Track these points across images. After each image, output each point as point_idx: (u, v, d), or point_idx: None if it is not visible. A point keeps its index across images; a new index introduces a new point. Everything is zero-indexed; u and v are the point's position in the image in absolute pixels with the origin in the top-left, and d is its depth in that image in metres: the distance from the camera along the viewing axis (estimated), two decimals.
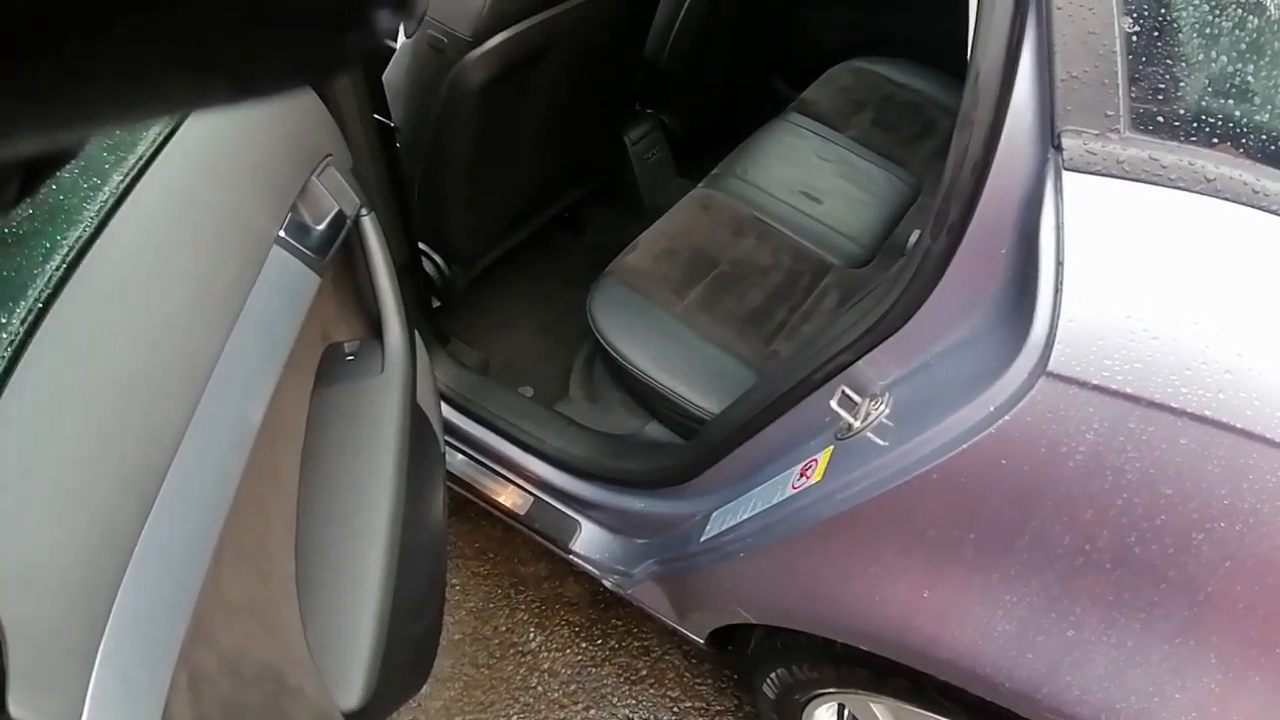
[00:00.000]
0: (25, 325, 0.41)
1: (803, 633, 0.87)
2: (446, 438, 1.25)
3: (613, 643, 1.36)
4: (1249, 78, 0.55)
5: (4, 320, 0.41)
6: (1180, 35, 0.55)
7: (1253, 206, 0.51)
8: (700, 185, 1.41)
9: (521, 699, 1.30)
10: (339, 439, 0.71)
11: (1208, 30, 0.56)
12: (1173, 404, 0.50)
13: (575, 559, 1.18)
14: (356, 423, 0.72)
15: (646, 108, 1.73)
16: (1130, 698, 0.63)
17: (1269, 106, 0.54)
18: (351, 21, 0.15)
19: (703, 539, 0.95)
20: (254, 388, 0.52)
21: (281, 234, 0.61)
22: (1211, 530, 0.54)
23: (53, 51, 0.13)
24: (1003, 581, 0.63)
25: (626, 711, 1.30)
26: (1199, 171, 0.50)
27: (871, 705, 0.92)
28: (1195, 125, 0.51)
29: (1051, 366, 0.53)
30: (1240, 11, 0.56)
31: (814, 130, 1.54)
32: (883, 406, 0.72)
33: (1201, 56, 0.55)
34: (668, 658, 1.35)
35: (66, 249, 0.45)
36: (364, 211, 0.79)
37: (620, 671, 1.34)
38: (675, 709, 1.31)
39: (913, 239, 1.05)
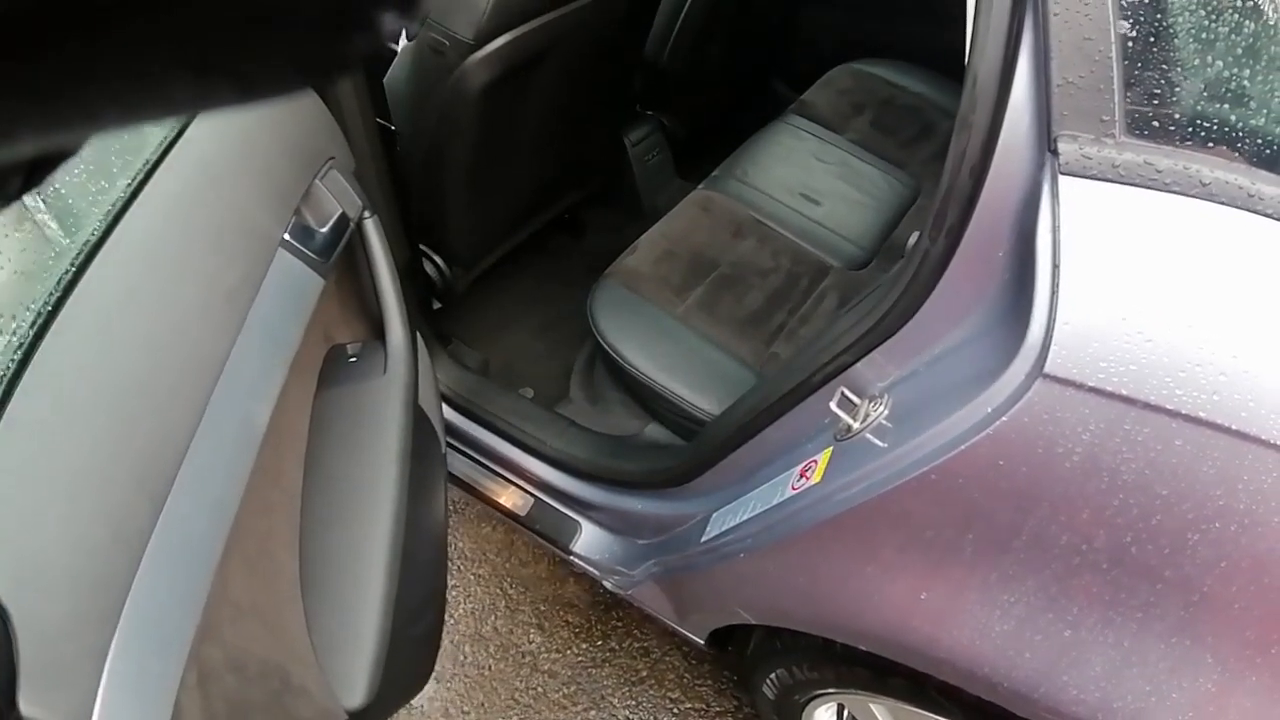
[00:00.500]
0: (35, 328, 0.42)
1: (802, 633, 0.88)
2: (447, 439, 1.26)
3: (613, 644, 1.37)
4: (1245, 82, 0.55)
5: (14, 323, 0.41)
6: (1176, 40, 0.56)
7: (1248, 210, 0.51)
8: (700, 187, 1.41)
9: (521, 700, 1.30)
10: (342, 440, 0.72)
11: (1204, 35, 0.56)
12: (1167, 406, 0.50)
13: (575, 560, 1.19)
14: (359, 424, 0.73)
15: (647, 109, 1.73)
16: (1127, 697, 0.63)
17: (1265, 111, 0.54)
18: (356, 23, 0.15)
19: (703, 540, 0.96)
20: (261, 389, 0.53)
21: (286, 237, 0.62)
22: (1207, 531, 0.55)
23: (53, 51, 0.13)
24: (1000, 581, 0.64)
25: (626, 713, 1.30)
26: (1194, 176, 0.50)
27: (871, 705, 0.92)
28: (1191, 130, 0.51)
29: (1048, 368, 0.53)
30: (1237, 17, 0.57)
31: (813, 132, 1.54)
32: (882, 408, 0.73)
33: (1198, 61, 0.55)
34: (668, 659, 1.36)
35: (75, 252, 0.45)
36: (366, 214, 0.79)
37: (620, 673, 1.34)
38: (675, 710, 1.31)
39: (911, 241, 1.06)
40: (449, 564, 1.43)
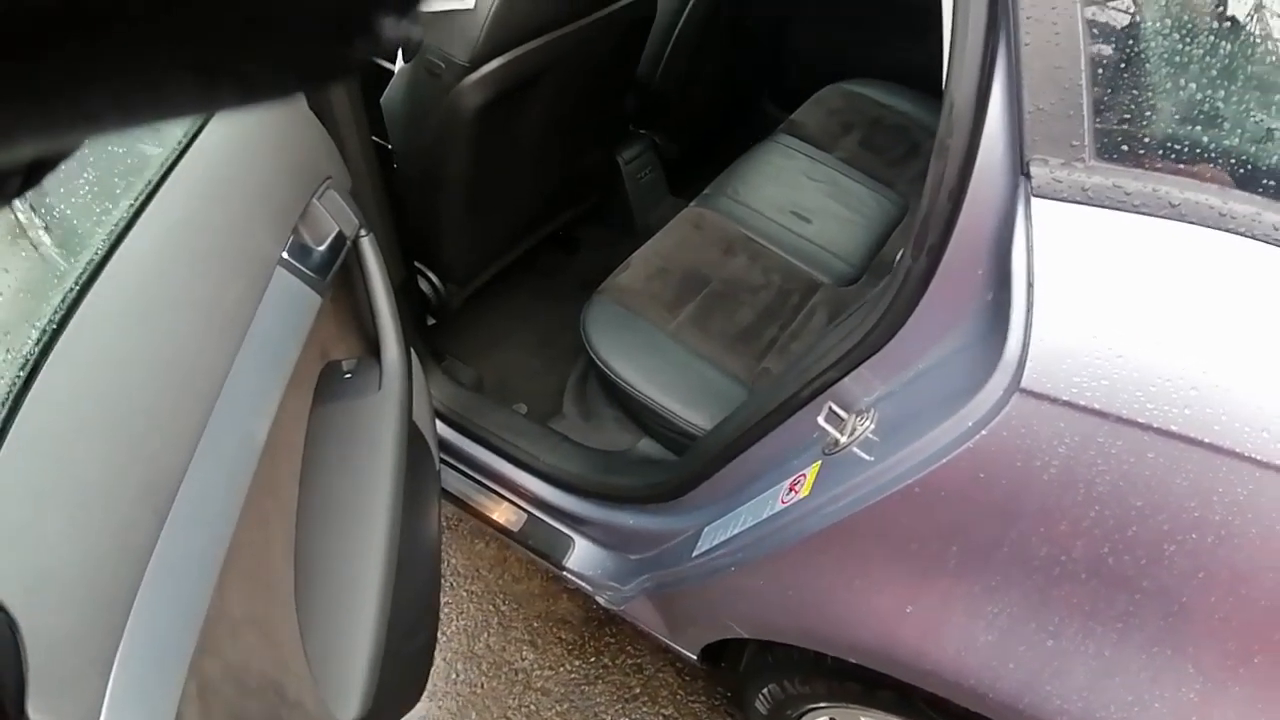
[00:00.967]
0: (40, 345, 0.43)
1: (794, 647, 0.88)
2: (441, 454, 1.26)
3: (606, 660, 1.37)
4: (1219, 104, 0.57)
5: (20, 341, 0.42)
6: (1148, 65, 0.58)
7: (1220, 229, 0.53)
8: (692, 205, 1.43)
9: (514, 718, 1.30)
10: (337, 455, 0.72)
11: (1177, 59, 0.58)
12: (1139, 419, 0.52)
13: (568, 575, 1.19)
14: (354, 440, 0.74)
15: (639, 128, 1.77)
16: (1110, 707, 0.64)
17: (1240, 131, 0.56)
18: (355, 27, 0.16)
19: (695, 554, 0.97)
20: (259, 406, 0.54)
21: (284, 255, 0.63)
22: (1183, 542, 0.56)
23: (54, 51, 0.13)
24: (984, 593, 0.65)
25: None
26: (1163, 197, 0.52)
27: (862, 719, 0.92)
28: (1161, 152, 0.54)
29: (1024, 383, 0.55)
30: (1212, 39, 0.59)
31: (803, 151, 1.57)
32: (868, 422, 0.74)
33: (1170, 85, 0.58)
34: (661, 675, 1.35)
35: (79, 271, 0.47)
36: (363, 232, 0.81)
37: (613, 690, 1.34)
38: None
39: (899, 258, 1.08)
40: (443, 581, 1.43)
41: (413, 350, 0.97)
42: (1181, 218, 0.52)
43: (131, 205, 0.53)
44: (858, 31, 1.85)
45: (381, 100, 1.19)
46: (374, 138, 1.07)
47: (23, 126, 0.14)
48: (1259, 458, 0.52)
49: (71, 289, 0.46)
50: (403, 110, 1.18)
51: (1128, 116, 0.54)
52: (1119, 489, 0.55)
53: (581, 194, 1.63)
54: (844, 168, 1.56)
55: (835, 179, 1.54)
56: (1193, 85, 0.55)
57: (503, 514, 1.24)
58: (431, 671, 1.31)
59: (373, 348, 0.87)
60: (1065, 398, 0.54)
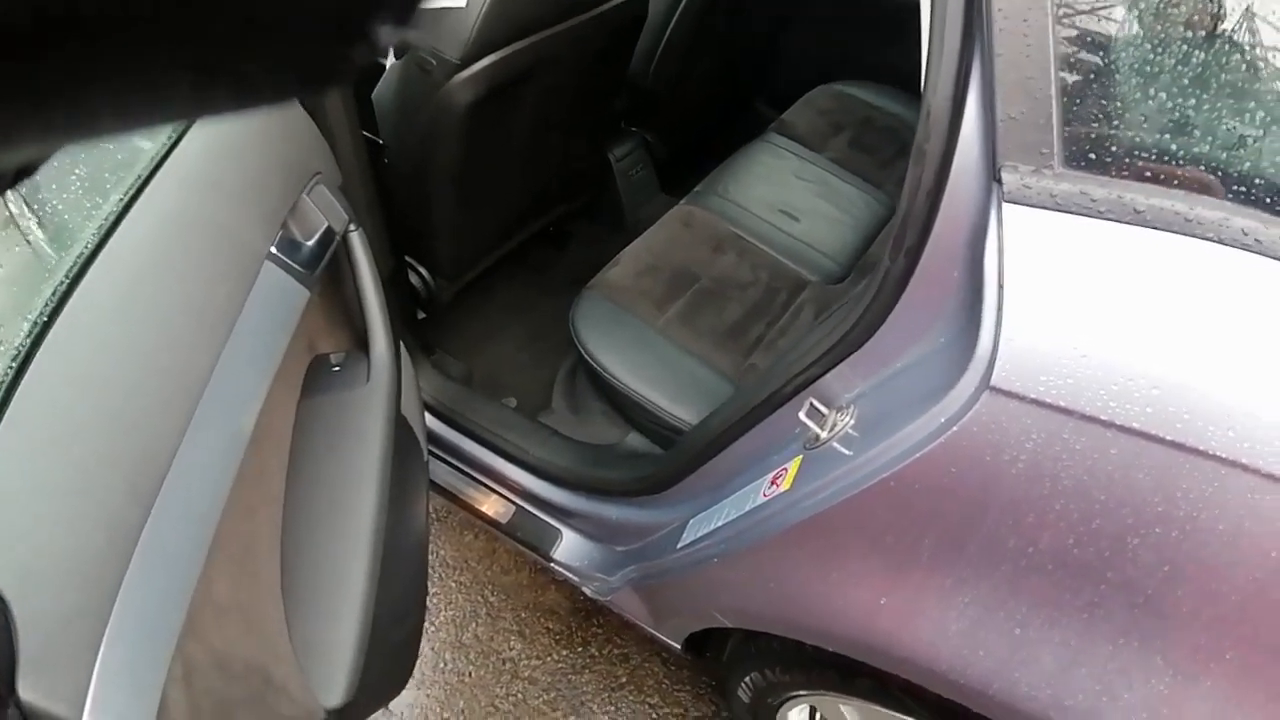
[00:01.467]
0: (31, 337, 0.44)
1: (774, 637, 0.90)
2: (430, 447, 1.28)
3: (593, 650, 1.39)
4: (1190, 112, 0.59)
5: (12, 332, 0.43)
6: (1118, 75, 0.60)
7: (1185, 234, 0.55)
8: (682, 202, 1.45)
9: (502, 706, 1.32)
10: (324, 448, 0.74)
11: (1147, 68, 0.60)
12: (1102, 416, 0.54)
13: (556, 567, 1.21)
14: (341, 432, 0.75)
15: (631, 126, 1.77)
16: (1078, 695, 0.66)
17: (1209, 138, 0.58)
18: (355, 34, 0.16)
19: (679, 546, 0.98)
20: (246, 398, 0.55)
21: (273, 250, 0.64)
22: (1146, 535, 0.58)
23: (54, 53, 0.13)
24: (955, 583, 0.67)
25: (606, 718, 1.32)
26: (1128, 204, 0.54)
27: (841, 706, 0.95)
28: (1128, 160, 0.55)
29: (994, 381, 0.57)
30: (1184, 48, 0.61)
31: (793, 151, 1.59)
32: (848, 418, 0.76)
33: (1139, 94, 0.59)
34: (647, 665, 1.37)
35: (69, 264, 0.48)
36: (352, 227, 0.82)
37: (600, 679, 1.36)
38: (654, 715, 1.33)
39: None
40: (431, 571, 1.44)
41: (402, 344, 0.98)
42: (1146, 223, 0.54)
43: (121, 199, 0.54)
44: (849, 32, 1.87)
45: (372, 95, 1.19)
46: (365, 133, 1.08)
47: (21, 127, 0.14)
48: (1224, 455, 0.54)
49: (62, 282, 0.46)
50: (393, 106, 1.18)
51: (1096, 125, 0.56)
52: (1083, 483, 0.57)
53: (573, 191, 1.64)
54: (834, 168, 1.58)
55: (825, 179, 1.56)
56: (1163, 94, 0.57)
57: (491, 506, 1.26)
58: (420, 660, 1.33)
59: (361, 341, 0.88)
60: (1032, 395, 0.56)
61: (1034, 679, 0.66)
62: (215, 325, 0.54)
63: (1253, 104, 0.56)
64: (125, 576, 0.41)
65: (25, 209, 0.52)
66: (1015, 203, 0.56)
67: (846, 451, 0.73)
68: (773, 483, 0.85)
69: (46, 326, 0.44)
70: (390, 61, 1.17)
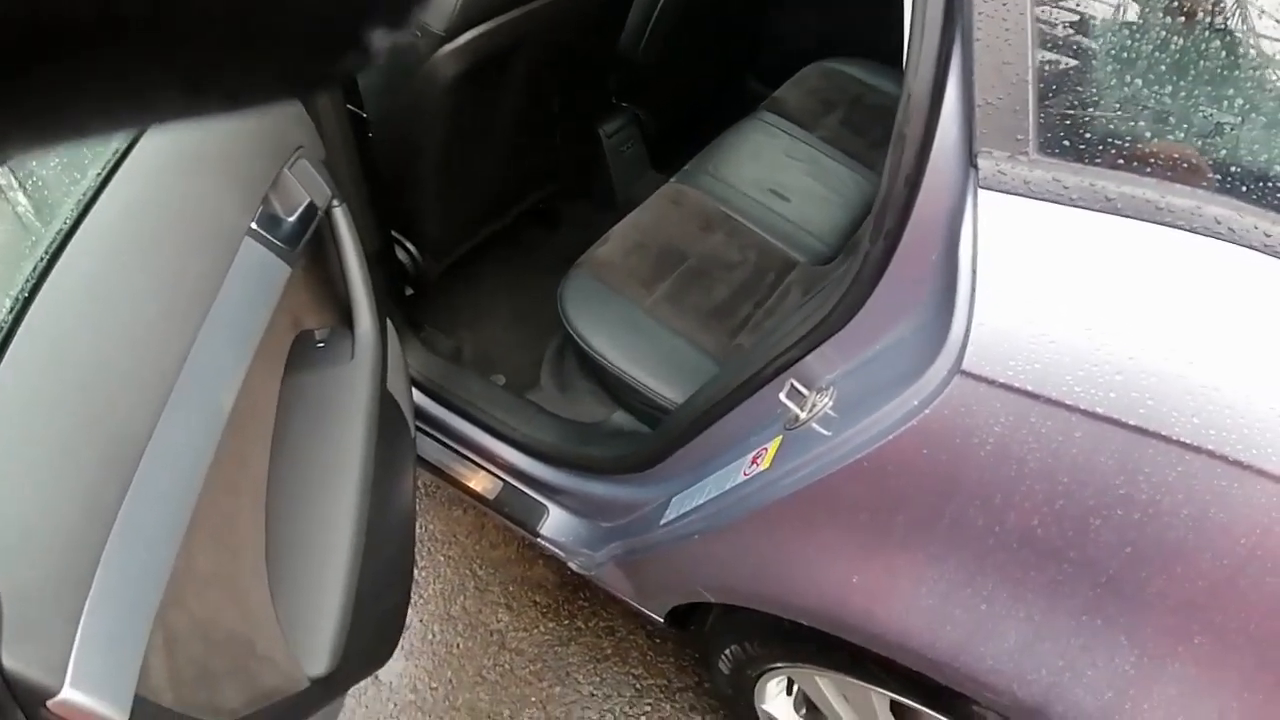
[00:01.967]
0: (13, 314, 0.44)
1: (754, 611, 0.93)
2: (419, 423, 1.28)
3: (579, 623, 1.41)
4: (1165, 99, 0.59)
5: None
6: (1095, 62, 0.60)
7: (1155, 222, 0.56)
8: (672, 180, 1.44)
9: (489, 676, 1.35)
10: (309, 424, 0.74)
11: (1125, 55, 0.60)
12: (1066, 401, 0.55)
13: (543, 542, 1.23)
14: (326, 408, 0.76)
15: (622, 102, 1.76)
16: (1040, 670, 0.69)
17: (1185, 125, 0.59)
18: (346, 42, 0.16)
19: (662, 522, 1.00)
20: (225, 374, 0.56)
21: (253, 225, 0.64)
22: (1108, 517, 0.60)
23: (44, 69, 0.13)
24: (926, 560, 0.69)
25: (590, 688, 1.35)
26: (1100, 191, 0.55)
27: (817, 678, 0.98)
28: (1102, 148, 0.56)
29: (965, 365, 0.58)
30: (1162, 34, 0.61)
31: (784, 129, 1.58)
32: (827, 399, 0.77)
33: (1115, 81, 0.60)
34: (632, 638, 1.41)
35: (49, 240, 0.48)
36: (335, 202, 0.82)
37: (586, 650, 1.39)
38: (638, 685, 1.36)
39: None
40: (419, 546, 1.46)
41: (389, 320, 0.99)
42: (1117, 211, 0.54)
43: (99, 174, 0.54)
44: (842, 9, 1.85)
45: None
46: (349, 106, 1.07)
47: (9, 141, 0.14)
48: (1188, 441, 0.55)
49: (42, 258, 0.47)
50: (378, 79, 1.17)
51: (1072, 111, 0.56)
52: (1048, 466, 0.58)
53: (562, 168, 1.63)
54: (824, 147, 1.57)
55: (816, 158, 1.55)
56: (1139, 81, 0.57)
57: (479, 482, 1.27)
58: (409, 631, 1.36)
59: (347, 317, 0.88)
60: (1001, 380, 0.57)
61: (999, 653, 0.68)
62: (194, 301, 0.54)
63: (1231, 91, 0.57)
64: (105, 550, 0.42)
65: (12, 178, 0.51)
66: (990, 189, 0.56)
67: (825, 432, 0.75)
68: (753, 462, 0.86)
69: (27, 303, 0.45)
70: None
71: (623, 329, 1.21)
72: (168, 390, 0.49)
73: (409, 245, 1.37)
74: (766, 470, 0.82)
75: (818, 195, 1.50)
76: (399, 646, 1.33)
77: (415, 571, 1.43)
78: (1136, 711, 0.65)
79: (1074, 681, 0.68)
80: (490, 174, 1.39)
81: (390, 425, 0.88)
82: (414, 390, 1.23)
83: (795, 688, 1.10)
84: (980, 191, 0.57)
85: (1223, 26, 0.62)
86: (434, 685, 1.33)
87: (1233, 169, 0.56)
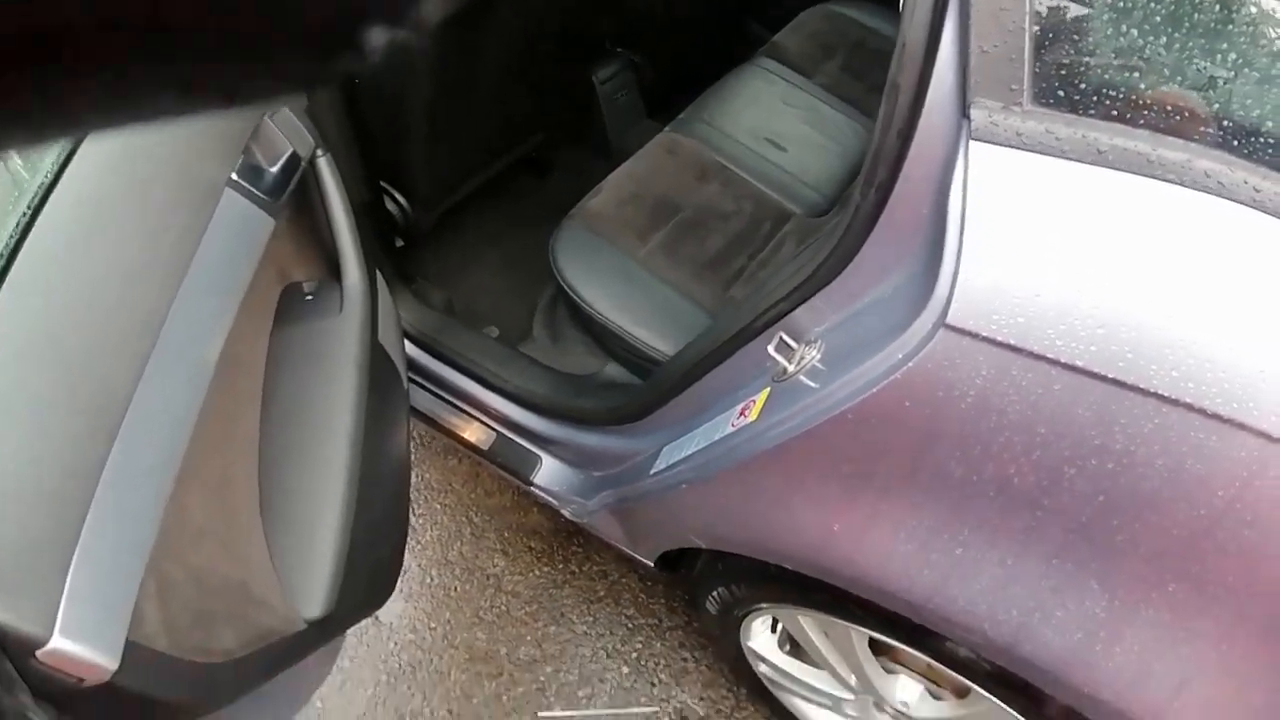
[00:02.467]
0: None
1: (740, 555, 0.96)
2: (412, 375, 1.29)
3: (573, 567, 1.46)
4: (1160, 50, 0.58)
5: None
6: (1092, 10, 0.58)
7: (1147, 175, 0.55)
8: (666, 129, 1.41)
9: (486, 617, 1.40)
10: (299, 376, 0.75)
11: (1122, 4, 0.59)
12: (1048, 354, 0.56)
13: (536, 491, 1.25)
14: (316, 360, 0.76)
15: (617, 47, 1.70)
16: (1011, 610, 0.71)
17: (1179, 78, 0.57)
18: (345, 44, 0.16)
19: (653, 472, 1.02)
20: (210, 326, 0.56)
21: (234, 177, 0.63)
22: (1083, 467, 0.61)
23: (43, 73, 0.13)
24: (905, 509, 0.71)
25: (584, 628, 1.41)
26: (1091, 144, 0.54)
27: (800, 618, 1.02)
28: (1095, 99, 0.55)
29: (949, 319, 0.58)
30: None
31: (783, 76, 1.54)
32: (815, 352, 0.78)
33: (1111, 31, 0.58)
34: (624, 580, 1.45)
35: (30, 195, 0.47)
36: (319, 152, 0.80)
37: (579, 593, 1.44)
38: (630, 625, 1.42)
39: None
40: (416, 494, 1.49)
41: (380, 273, 0.98)
42: (1108, 164, 0.54)
43: None
44: None
45: None
46: None
47: (6, 135, 0.14)
48: (1165, 394, 0.56)
49: (24, 214, 0.46)
50: None
51: (1066, 62, 0.55)
52: (1026, 418, 0.59)
53: (555, 116, 1.59)
54: (824, 94, 1.53)
55: (814, 106, 1.51)
56: (1134, 32, 0.56)
57: (473, 433, 1.29)
58: (408, 576, 1.40)
59: (335, 270, 0.87)
60: (984, 334, 0.57)
61: (972, 594, 0.71)
62: (175, 254, 0.54)
63: (1225, 45, 0.55)
64: (92, 502, 0.43)
65: None
66: (982, 140, 0.56)
67: (813, 384, 0.75)
68: (740, 414, 0.87)
69: (10, 260, 0.45)
70: None
71: (615, 281, 1.20)
72: (151, 344, 0.49)
73: (398, 197, 1.35)
74: (754, 422, 0.83)
75: (815, 144, 1.47)
76: (398, 590, 1.38)
77: (413, 518, 1.47)
78: (1107, 654, 0.68)
79: (1043, 622, 0.71)
80: (480, 122, 1.36)
81: (382, 377, 0.88)
82: (407, 343, 1.24)
83: (779, 626, 1.15)
84: (972, 143, 0.56)
85: None
86: (433, 626, 1.38)
87: (1225, 123, 0.55)
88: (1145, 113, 0.56)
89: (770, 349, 0.80)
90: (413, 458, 1.52)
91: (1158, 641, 0.66)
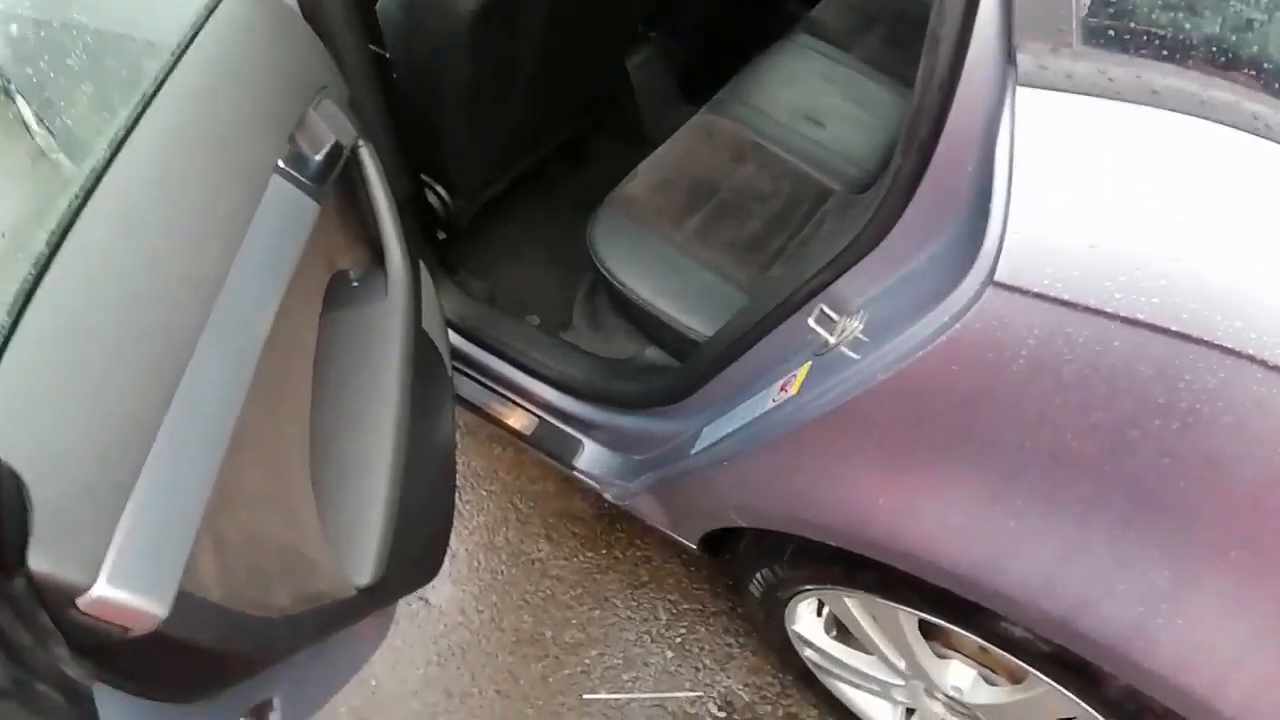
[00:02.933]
0: (50, 244, 0.47)
1: (783, 535, 0.94)
2: (458, 364, 1.32)
3: (617, 552, 1.47)
4: None
5: (31, 239, 0.46)
6: None
7: (1199, 116, 0.52)
8: (702, 111, 1.40)
9: (532, 601, 1.42)
10: (347, 358, 0.77)
11: None
12: (1107, 309, 0.53)
13: (578, 475, 1.26)
14: (363, 342, 0.78)
15: (650, 31, 1.69)
16: (1070, 585, 0.68)
17: (1219, 19, 0.54)
18: None
19: (693, 451, 1.02)
20: (260, 301, 0.58)
21: (280, 164, 0.65)
22: (1146, 428, 0.58)
23: None
24: (954, 478, 0.68)
25: (628, 612, 1.41)
26: (1145, 84, 0.51)
27: (845, 599, 0.99)
28: (1145, 38, 0.52)
29: (998, 276, 0.56)
30: None
31: (821, 51, 1.50)
32: (857, 323, 0.76)
33: None
34: (668, 565, 1.45)
35: (83, 177, 0.50)
36: (361, 143, 0.82)
37: (623, 578, 1.44)
38: (674, 610, 1.41)
39: None
40: (463, 481, 1.53)
41: (423, 262, 1.00)
42: (1161, 104, 0.51)
43: (129, 114, 0.55)
44: None
45: (377, 8, 1.16)
46: (371, 46, 1.06)
47: None
48: (1230, 346, 0.52)
49: (77, 195, 0.49)
50: (398, 18, 1.15)
51: (1115, 0, 0.52)
52: (1084, 377, 0.56)
53: (590, 103, 1.59)
54: (863, 68, 1.49)
55: (854, 80, 1.48)
56: None
57: (516, 419, 1.31)
58: (455, 560, 1.43)
59: (380, 259, 0.90)
60: (1036, 290, 0.55)
61: (1027, 569, 0.68)
62: (226, 233, 0.56)
63: None
64: (145, 463, 0.45)
65: (39, 125, 0.54)
66: (1030, 85, 0.53)
67: (855, 356, 0.73)
68: (781, 389, 0.86)
69: (64, 235, 0.47)
70: None
71: (653, 265, 1.20)
72: (205, 314, 0.51)
73: (439, 189, 1.37)
74: (795, 396, 0.82)
75: (856, 119, 1.43)
76: (447, 574, 1.41)
77: (460, 505, 1.50)
78: (1169, 626, 0.64)
79: (1105, 595, 0.67)
80: (516, 113, 1.37)
81: (426, 362, 0.90)
82: (451, 333, 1.26)
83: (825, 610, 1.12)
84: (1019, 90, 0.53)
85: None
86: (480, 609, 1.41)
87: (1265, 66, 0.51)
88: (1193, 52, 0.52)
89: (811, 322, 0.79)
90: (459, 446, 1.55)
91: (1219, 612, 0.62)
